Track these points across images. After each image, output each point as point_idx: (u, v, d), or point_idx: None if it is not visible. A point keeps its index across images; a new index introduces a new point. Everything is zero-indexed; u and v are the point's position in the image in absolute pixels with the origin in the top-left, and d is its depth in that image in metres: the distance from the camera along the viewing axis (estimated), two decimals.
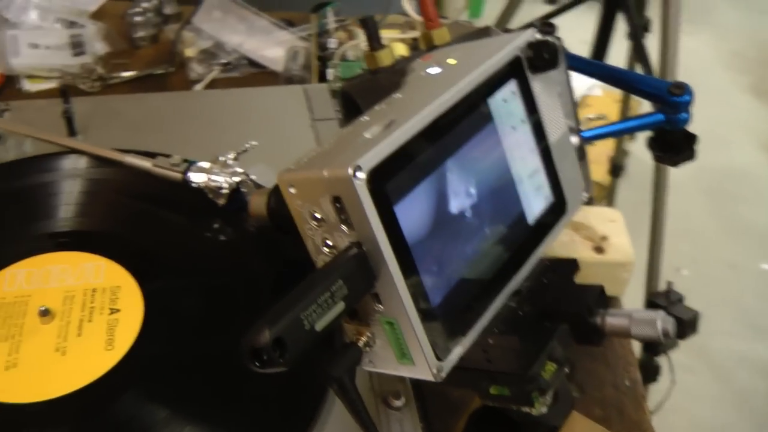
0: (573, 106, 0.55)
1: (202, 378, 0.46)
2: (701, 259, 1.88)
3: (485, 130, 0.41)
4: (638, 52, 1.02)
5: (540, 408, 0.41)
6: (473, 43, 0.48)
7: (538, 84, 0.45)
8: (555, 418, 0.44)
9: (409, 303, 0.36)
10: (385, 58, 0.54)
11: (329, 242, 0.37)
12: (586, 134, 0.58)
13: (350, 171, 0.33)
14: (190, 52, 0.93)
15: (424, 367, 0.37)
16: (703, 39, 2.81)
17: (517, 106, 0.44)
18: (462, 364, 0.41)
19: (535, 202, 0.45)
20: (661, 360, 1.26)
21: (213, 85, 0.90)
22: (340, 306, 0.34)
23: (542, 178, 0.45)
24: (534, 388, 0.40)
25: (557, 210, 0.46)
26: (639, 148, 1.96)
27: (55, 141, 0.57)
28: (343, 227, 0.35)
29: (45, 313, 0.48)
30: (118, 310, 0.49)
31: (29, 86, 0.89)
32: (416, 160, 0.37)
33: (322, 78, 0.84)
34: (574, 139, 0.55)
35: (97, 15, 1.00)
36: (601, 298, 0.42)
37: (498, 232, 0.42)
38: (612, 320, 0.41)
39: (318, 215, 0.36)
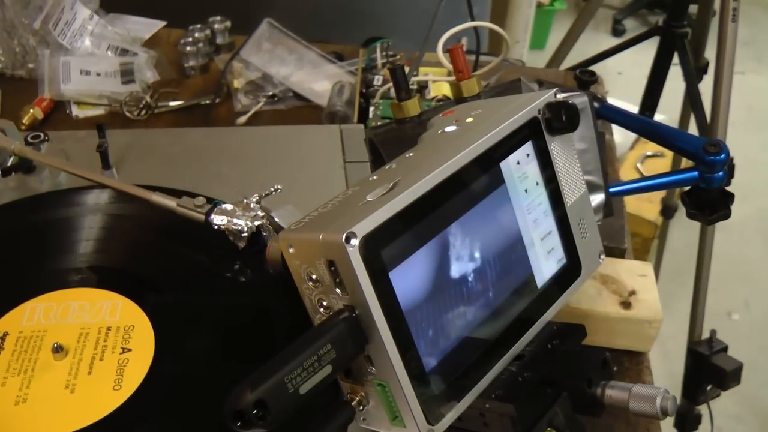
0: (602, 161, 0.54)
1: (208, 421, 0.47)
2: (754, 304, 1.82)
3: (495, 194, 0.41)
4: (691, 95, 1.00)
5: None
6: (496, 100, 0.48)
7: (556, 146, 0.44)
8: None
9: (400, 368, 0.35)
10: (411, 109, 0.54)
11: (324, 303, 0.37)
12: (615, 189, 0.57)
13: (343, 238, 0.33)
14: (237, 83, 0.95)
15: (414, 431, 0.37)
16: None
17: (532, 169, 0.43)
18: (460, 425, 0.40)
19: (546, 265, 0.44)
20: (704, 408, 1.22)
21: (258, 116, 0.91)
22: (327, 369, 0.34)
23: (555, 241, 0.44)
24: None
25: (570, 273, 0.45)
26: None
27: (85, 176, 0.58)
28: (338, 290, 0.35)
29: (58, 350, 0.48)
30: (129, 350, 0.49)
31: (77, 112, 0.91)
32: (417, 226, 0.37)
33: (364, 115, 0.84)
34: (600, 197, 0.54)
35: (151, 43, 1.02)
36: (604, 369, 0.41)
37: (503, 296, 0.41)
38: (611, 393, 0.40)
39: (314, 276, 0.36)
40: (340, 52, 1.00)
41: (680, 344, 1.17)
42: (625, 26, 2.97)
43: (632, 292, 0.65)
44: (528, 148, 0.43)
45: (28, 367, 0.48)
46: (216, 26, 1.02)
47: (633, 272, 0.67)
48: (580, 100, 0.50)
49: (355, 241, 0.34)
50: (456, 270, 0.38)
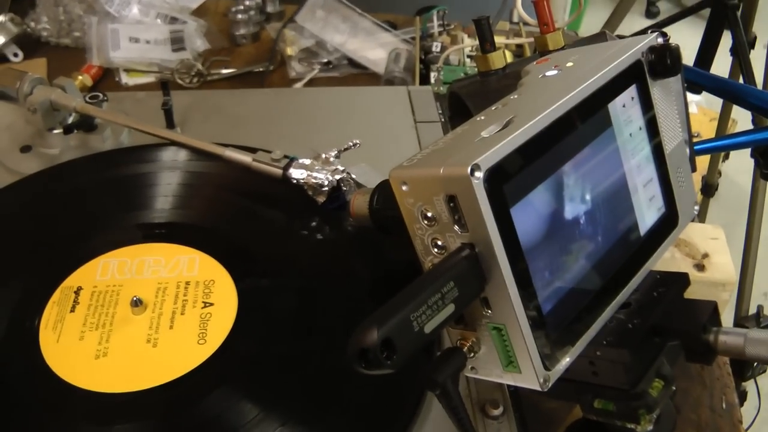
0: (686, 116, 0.52)
1: (295, 378, 0.46)
2: None
3: (604, 136, 0.39)
4: (744, 68, 0.98)
5: (646, 426, 0.38)
6: (591, 47, 0.46)
7: (657, 91, 0.43)
8: None
9: (520, 309, 0.34)
10: (497, 61, 0.53)
11: (440, 242, 0.35)
12: (699, 147, 0.56)
13: (468, 170, 0.32)
14: (291, 50, 0.94)
15: (531, 376, 0.35)
16: None
17: (636, 113, 0.42)
18: (566, 376, 0.39)
19: (648, 212, 0.42)
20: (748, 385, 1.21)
21: (312, 84, 0.90)
22: (450, 308, 0.33)
23: (656, 188, 0.43)
24: (641, 405, 0.38)
25: (669, 222, 0.44)
26: (731, 168, 1.89)
27: (156, 133, 0.57)
28: (456, 228, 0.34)
29: (137, 304, 0.47)
30: (211, 304, 0.48)
31: (127, 80, 0.90)
32: (534, 163, 0.35)
33: (423, 81, 0.84)
34: (688, 151, 0.53)
35: (199, 12, 1.02)
36: (714, 316, 0.40)
37: (611, 241, 0.40)
38: (726, 339, 0.38)
39: (430, 214, 0.35)
40: (393, 21, 1.00)
41: (726, 321, 1.16)
42: (659, 8, 2.94)
43: (705, 255, 0.64)
44: (632, 91, 0.41)
45: (106, 321, 0.47)
46: None
47: (705, 235, 0.66)
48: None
49: (479, 174, 0.32)
50: (570, 211, 0.37)
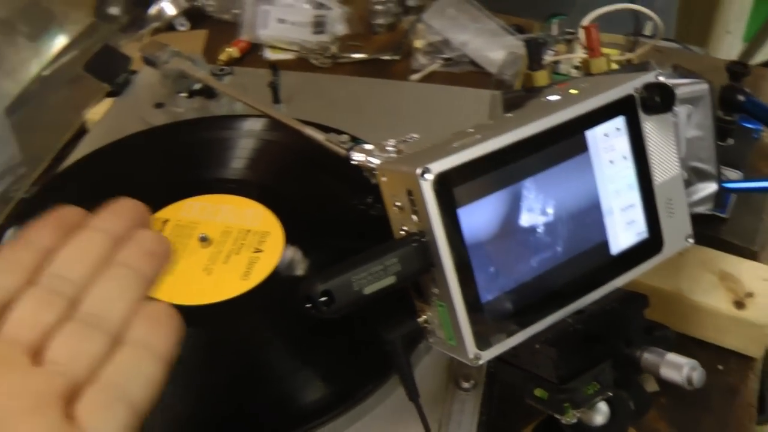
0: (714, 151, 0.55)
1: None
2: None
3: (577, 159, 0.45)
4: None
5: (570, 418, 0.44)
6: (604, 77, 0.51)
7: (651, 125, 0.47)
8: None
9: (456, 293, 0.41)
10: (540, 79, 0.58)
11: (404, 228, 0.42)
12: (730, 185, 0.58)
13: (419, 171, 0.39)
14: (418, 43, 1.02)
15: (464, 351, 0.42)
16: None
17: (621, 143, 0.46)
18: (516, 362, 0.45)
19: (623, 235, 0.47)
20: None
21: (431, 76, 0.97)
22: (391, 279, 0.40)
23: (638, 214, 0.47)
24: (567, 399, 0.44)
25: (650, 248, 0.48)
26: None
27: (252, 105, 0.68)
28: (413, 217, 0.41)
29: (204, 239, 0.59)
30: (261, 251, 0.59)
31: (269, 54, 1.03)
32: (492, 173, 0.42)
33: None
34: (712, 187, 0.56)
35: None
36: (649, 335, 0.44)
37: (572, 253, 0.45)
38: (648, 356, 0.43)
39: (398, 203, 0.42)
40: (522, 25, 1.04)
41: None
42: None
43: (749, 294, 0.65)
44: (619, 122, 0.46)
45: (179, 248, 0.59)
46: None
47: (756, 274, 0.66)
48: (699, 87, 0.52)
49: (428, 176, 0.39)
50: (526, 220, 0.43)
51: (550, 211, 0.44)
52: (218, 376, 0.53)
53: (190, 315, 0.54)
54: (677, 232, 0.49)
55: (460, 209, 0.41)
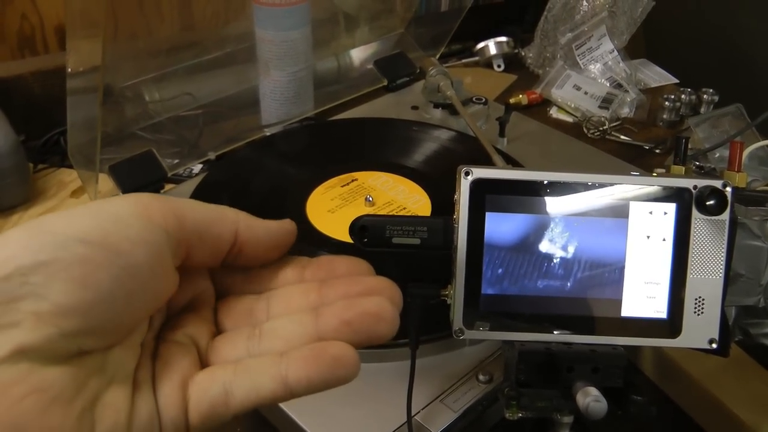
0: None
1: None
2: None
3: (616, 221, 0.52)
4: None
5: (513, 415, 0.52)
6: None
7: (704, 224, 0.52)
8: None
9: (461, 276, 0.52)
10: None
11: (455, 215, 0.54)
12: None
13: (464, 171, 0.51)
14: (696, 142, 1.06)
15: (453, 323, 0.53)
16: None
17: (665, 225, 0.52)
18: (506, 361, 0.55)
19: (640, 305, 0.53)
20: None
21: None
22: (415, 240, 0.53)
23: (661, 294, 0.53)
24: (515, 397, 0.52)
25: (665, 331, 0.53)
26: None
27: (470, 125, 0.83)
28: (456, 206, 0.53)
29: (369, 200, 0.75)
30: None
31: (553, 112, 1.15)
32: (526, 197, 0.52)
33: None
34: (753, 299, 0.57)
35: (651, 90, 1.20)
36: (596, 374, 0.50)
37: (580, 294, 0.53)
38: (577, 383, 0.49)
39: (456, 194, 0.54)
40: None
41: None
42: None
43: None
44: (668, 207, 0.52)
45: (350, 200, 0.76)
46: (704, 97, 1.14)
47: None
48: None
49: (469, 177, 0.51)
50: (545, 247, 0.52)
51: (571, 250, 0.52)
52: None
53: (334, 244, 0.71)
54: (700, 331, 0.53)
55: (489, 213, 0.52)
